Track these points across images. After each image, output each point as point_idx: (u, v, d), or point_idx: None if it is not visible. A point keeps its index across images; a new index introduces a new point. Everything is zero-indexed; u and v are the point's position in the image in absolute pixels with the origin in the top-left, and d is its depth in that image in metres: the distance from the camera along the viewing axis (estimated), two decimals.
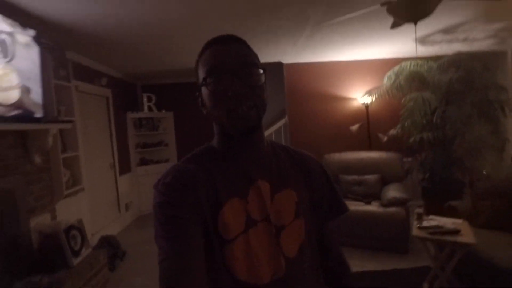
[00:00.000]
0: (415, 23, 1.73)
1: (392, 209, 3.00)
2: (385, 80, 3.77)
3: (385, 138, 3.94)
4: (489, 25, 3.22)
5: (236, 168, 0.65)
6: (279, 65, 4.34)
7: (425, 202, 3.61)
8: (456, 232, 2.04)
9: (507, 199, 2.30)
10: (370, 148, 4.09)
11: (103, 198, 3.88)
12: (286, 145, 0.77)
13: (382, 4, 1.83)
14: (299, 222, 0.66)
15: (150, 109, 4.98)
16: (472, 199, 2.56)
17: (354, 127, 4.11)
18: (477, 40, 3.72)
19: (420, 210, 2.35)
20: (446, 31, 3.29)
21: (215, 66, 0.60)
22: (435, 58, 3.65)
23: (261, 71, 0.63)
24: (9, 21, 1.97)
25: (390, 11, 1.78)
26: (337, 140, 4.26)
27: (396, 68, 3.69)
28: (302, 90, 4.35)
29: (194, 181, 0.60)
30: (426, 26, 2.92)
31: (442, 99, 3.44)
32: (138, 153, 4.99)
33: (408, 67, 3.61)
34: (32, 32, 2.17)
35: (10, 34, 1.97)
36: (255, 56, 0.66)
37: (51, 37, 2.63)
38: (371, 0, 2.10)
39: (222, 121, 0.62)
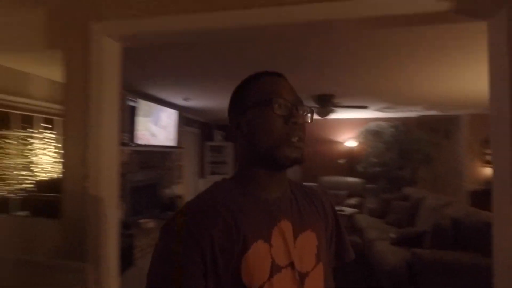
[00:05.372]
0: None
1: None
2: (359, 133, 6.18)
3: (360, 169, 6.26)
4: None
5: (257, 206, 0.60)
6: None
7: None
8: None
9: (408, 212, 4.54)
10: (351, 175, 6.43)
11: None
12: (299, 182, 0.74)
13: None
14: (320, 268, 0.63)
15: None
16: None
17: (341, 160, 6.49)
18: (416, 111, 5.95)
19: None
20: (386, 108, 5.61)
21: (285, 92, 0.61)
22: (395, 120, 6.00)
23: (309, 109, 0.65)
24: None
25: None
26: (330, 168, 6.68)
27: (365, 127, 6.08)
28: (311, 136, 6.88)
29: (209, 224, 0.54)
30: (374, 105, 5.27)
31: (388, 148, 5.73)
32: None
33: (371, 127, 5.98)
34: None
35: None
36: None
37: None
38: None
39: (272, 148, 0.59)
